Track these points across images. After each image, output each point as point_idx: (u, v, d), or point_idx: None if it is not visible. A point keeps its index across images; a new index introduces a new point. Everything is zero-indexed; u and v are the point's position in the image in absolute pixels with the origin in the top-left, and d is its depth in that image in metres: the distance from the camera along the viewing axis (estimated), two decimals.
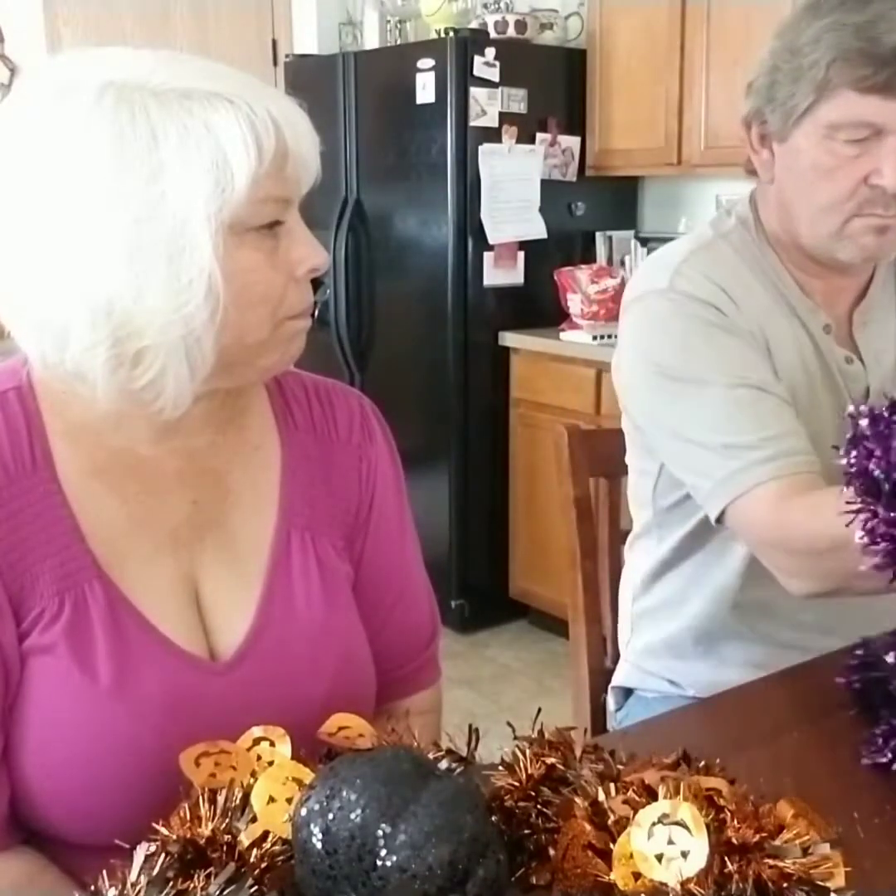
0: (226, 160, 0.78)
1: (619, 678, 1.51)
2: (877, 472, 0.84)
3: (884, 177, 1.15)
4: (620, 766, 0.72)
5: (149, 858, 0.64)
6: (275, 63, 4.15)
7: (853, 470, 0.86)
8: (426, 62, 3.30)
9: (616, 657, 1.55)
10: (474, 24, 3.47)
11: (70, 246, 0.78)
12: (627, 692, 1.50)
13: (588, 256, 3.66)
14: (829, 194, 1.19)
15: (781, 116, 1.19)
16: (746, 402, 1.18)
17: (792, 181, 1.23)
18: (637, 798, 0.67)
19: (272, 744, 0.74)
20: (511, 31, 3.42)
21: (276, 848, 0.65)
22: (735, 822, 0.66)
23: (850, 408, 0.91)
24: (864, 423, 0.87)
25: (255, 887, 0.63)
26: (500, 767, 0.72)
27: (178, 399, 0.84)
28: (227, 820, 0.67)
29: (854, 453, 0.86)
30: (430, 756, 0.71)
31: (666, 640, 1.43)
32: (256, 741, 0.75)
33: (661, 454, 1.31)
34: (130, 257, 0.78)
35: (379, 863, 0.59)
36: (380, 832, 0.59)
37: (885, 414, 0.86)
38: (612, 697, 1.52)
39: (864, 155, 1.16)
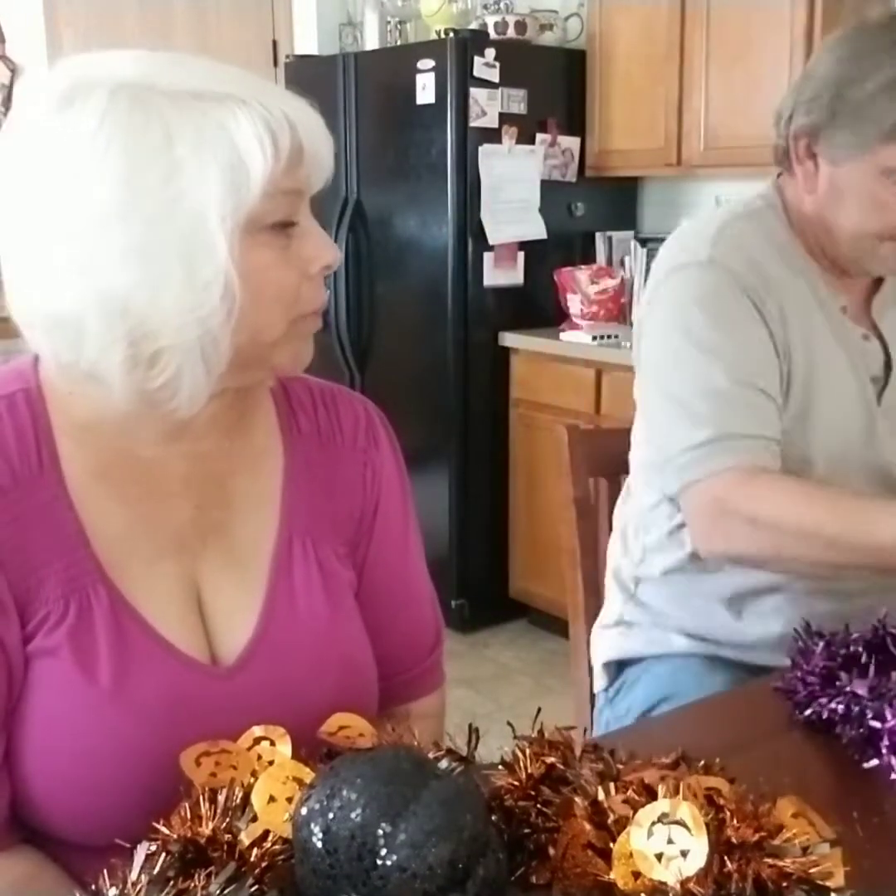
0: (241, 160, 0.78)
1: (612, 651, 1.49)
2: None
3: None
4: (620, 766, 0.72)
5: (149, 858, 0.64)
6: (275, 64, 4.15)
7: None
8: (426, 63, 3.30)
9: None
10: (474, 25, 3.47)
11: (85, 246, 0.77)
12: (620, 666, 1.49)
13: (588, 257, 3.66)
14: (878, 224, 1.30)
15: (840, 146, 1.29)
16: (743, 402, 1.28)
17: (837, 202, 1.33)
18: (637, 797, 0.67)
19: (272, 743, 0.74)
20: (511, 32, 3.42)
21: (277, 847, 0.65)
22: (735, 821, 0.66)
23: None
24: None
25: (256, 887, 0.63)
26: (500, 767, 0.72)
27: (193, 398, 0.84)
28: (228, 819, 0.67)
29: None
30: (430, 756, 0.71)
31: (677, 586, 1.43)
32: (257, 741, 0.75)
33: (647, 405, 1.40)
34: (146, 258, 0.77)
35: (379, 862, 0.59)
36: (380, 831, 0.60)
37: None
38: (605, 675, 1.50)
39: None
